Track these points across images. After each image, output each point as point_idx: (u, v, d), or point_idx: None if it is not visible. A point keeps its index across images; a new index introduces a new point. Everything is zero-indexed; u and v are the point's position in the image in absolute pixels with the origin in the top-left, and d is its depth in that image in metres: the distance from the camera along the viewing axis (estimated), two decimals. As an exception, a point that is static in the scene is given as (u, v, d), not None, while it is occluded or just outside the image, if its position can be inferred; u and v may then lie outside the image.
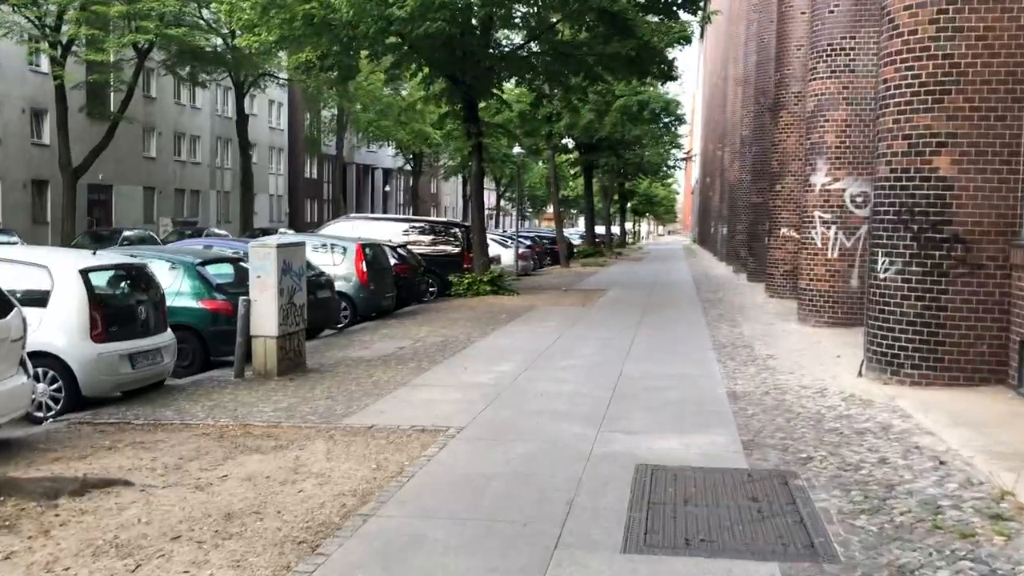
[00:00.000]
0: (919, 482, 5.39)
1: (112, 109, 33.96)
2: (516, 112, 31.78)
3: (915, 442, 6.37)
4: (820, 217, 13.49)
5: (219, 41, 35.61)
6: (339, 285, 14.91)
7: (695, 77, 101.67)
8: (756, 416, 7.33)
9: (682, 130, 54.57)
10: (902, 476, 5.52)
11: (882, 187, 8.74)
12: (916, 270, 8.41)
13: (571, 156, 43.61)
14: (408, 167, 59.18)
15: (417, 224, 21.70)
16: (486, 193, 37.83)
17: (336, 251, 15.38)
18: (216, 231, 35.65)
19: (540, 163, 51.95)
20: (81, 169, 30.58)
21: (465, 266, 20.23)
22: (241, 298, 9.58)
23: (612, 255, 47.78)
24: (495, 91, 20.55)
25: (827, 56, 13.34)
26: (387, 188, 70.49)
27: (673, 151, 55.63)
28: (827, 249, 13.46)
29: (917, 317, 8.39)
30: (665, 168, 60.55)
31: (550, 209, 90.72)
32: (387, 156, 66.43)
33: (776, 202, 18.85)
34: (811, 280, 13.70)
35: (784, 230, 18.62)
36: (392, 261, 17.63)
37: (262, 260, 9.55)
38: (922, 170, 8.34)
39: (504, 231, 46.97)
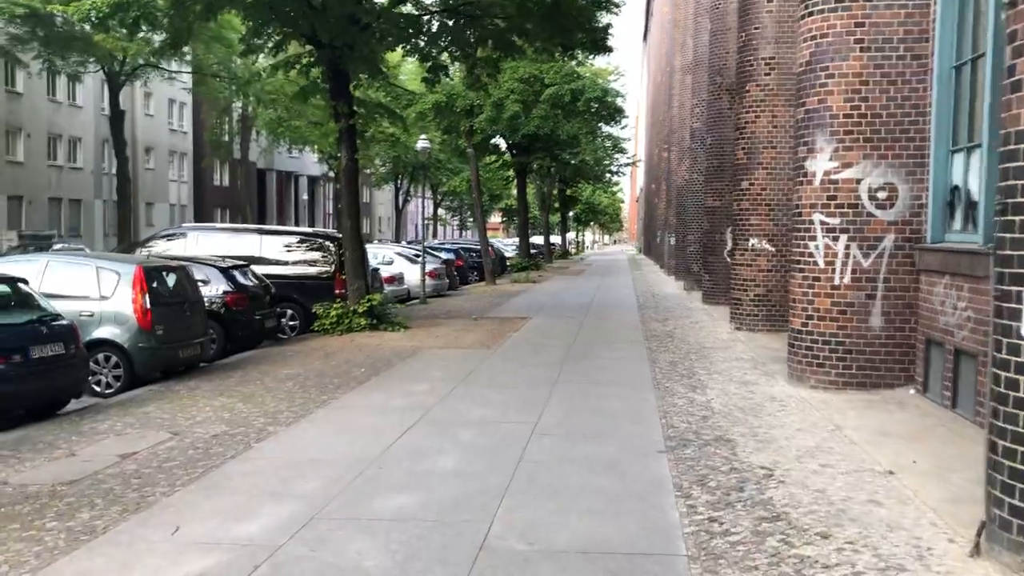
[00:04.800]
0: None
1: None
2: (430, 103, 27.08)
3: None
4: (823, 223, 8.87)
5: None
6: (104, 331, 9.94)
7: (639, 80, 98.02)
8: None
9: (626, 133, 50.20)
10: None
11: (1017, 162, 4.10)
12: (1116, 336, 3.78)
13: (501, 157, 38.80)
14: (332, 174, 53.84)
15: (279, 236, 16.54)
16: (423, 202, 33.05)
17: (104, 277, 10.29)
18: (73, 246, 30.08)
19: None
20: None
21: (337, 291, 15.25)
22: None
23: (550, 268, 43.13)
24: (377, 62, 15.62)
25: (830, -23, 8.76)
26: (305, 196, 65.06)
27: (616, 156, 51.37)
28: (833, 271, 8.84)
29: (1124, 443, 3.75)
30: (609, 174, 56.32)
31: (495, 218, 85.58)
32: (312, 162, 60.93)
33: (742, 204, 14.27)
34: (809, 318, 9.06)
35: (754, 241, 14.06)
36: (218, 288, 12.68)
37: None
38: None
39: (441, 242, 41.84)
